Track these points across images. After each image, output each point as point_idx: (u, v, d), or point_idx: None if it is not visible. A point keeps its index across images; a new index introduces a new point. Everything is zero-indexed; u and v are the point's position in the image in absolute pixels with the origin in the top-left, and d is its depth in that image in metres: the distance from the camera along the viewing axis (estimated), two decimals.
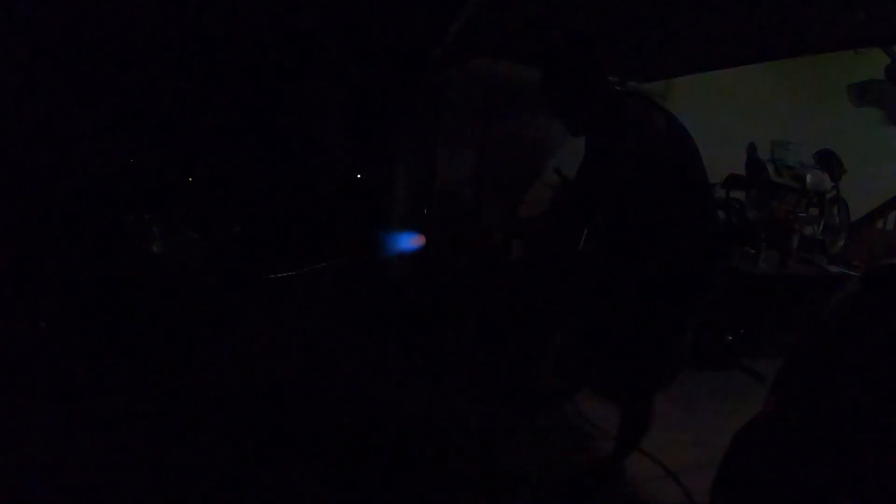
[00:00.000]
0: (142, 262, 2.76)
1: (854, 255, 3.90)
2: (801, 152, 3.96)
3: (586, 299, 2.08)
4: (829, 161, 3.92)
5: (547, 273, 2.77)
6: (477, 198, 3.69)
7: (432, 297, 3.23)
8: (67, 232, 2.77)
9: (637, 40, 2.81)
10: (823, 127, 4.31)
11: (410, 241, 2.00)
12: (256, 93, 3.28)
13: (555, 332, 2.64)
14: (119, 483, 1.68)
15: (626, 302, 1.77)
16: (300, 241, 3.43)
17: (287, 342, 2.84)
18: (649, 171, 1.63)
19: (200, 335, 2.72)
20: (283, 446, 1.96)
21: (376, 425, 2.20)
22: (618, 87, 3.39)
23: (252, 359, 2.64)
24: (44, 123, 2.79)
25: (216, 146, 3.25)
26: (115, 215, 2.82)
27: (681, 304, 1.75)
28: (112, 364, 2.36)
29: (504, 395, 2.48)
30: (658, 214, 1.68)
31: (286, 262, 3.33)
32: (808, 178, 3.70)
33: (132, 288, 2.69)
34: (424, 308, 3.20)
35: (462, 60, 3.34)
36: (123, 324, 2.58)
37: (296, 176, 3.47)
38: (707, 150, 1.80)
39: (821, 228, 3.83)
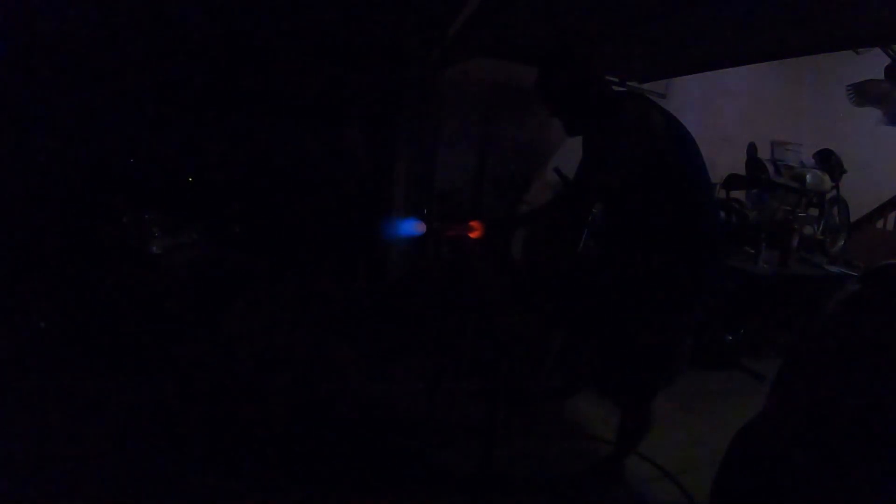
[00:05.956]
0: (142, 262, 2.76)
1: (854, 255, 3.90)
2: (801, 152, 3.97)
3: (586, 300, 2.08)
4: (829, 161, 3.92)
5: (547, 273, 2.77)
6: (477, 198, 3.69)
7: (432, 296, 3.23)
8: (67, 232, 2.77)
9: (637, 40, 2.81)
10: (823, 127, 4.32)
11: (412, 228, 1.99)
12: (256, 93, 3.28)
13: (555, 332, 2.64)
14: (116, 482, 1.68)
15: (626, 303, 1.77)
16: (299, 241, 3.43)
17: (285, 341, 2.84)
18: (648, 171, 1.63)
19: (200, 334, 2.72)
20: (280, 446, 1.96)
21: (374, 425, 2.20)
22: (617, 88, 3.41)
23: (250, 358, 2.64)
24: (44, 123, 2.80)
25: (216, 146, 3.25)
26: (115, 215, 2.82)
27: (681, 306, 1.74)
28: (110, 364, 2.36)
29: (504, 395, 2.48)
30: (658, 215, 1.68)
31: (285, 261, 3.34)
32: (808, 178, 3.70)
33: (132, 288, 2.69)
34: (424, 307, 3.20)
35: (462, 60, 3.34)
36: (122, 324, 2.58)
37: (296, 176, 3.48)
38: (707, 150, 1.80)
39: (821, 228, 3.83)
